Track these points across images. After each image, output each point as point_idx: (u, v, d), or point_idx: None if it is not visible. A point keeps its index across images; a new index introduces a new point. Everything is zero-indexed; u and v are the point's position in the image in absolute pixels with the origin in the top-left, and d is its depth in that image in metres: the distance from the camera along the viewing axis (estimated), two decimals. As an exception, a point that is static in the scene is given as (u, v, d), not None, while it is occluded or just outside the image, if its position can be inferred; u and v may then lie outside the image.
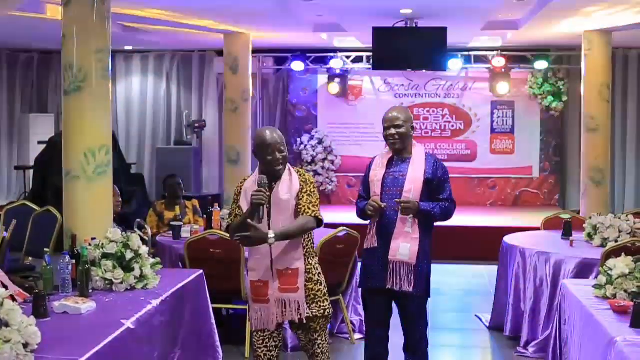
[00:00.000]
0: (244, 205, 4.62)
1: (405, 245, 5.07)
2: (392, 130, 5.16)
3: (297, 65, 14.26)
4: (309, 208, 4.62)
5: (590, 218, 7.36)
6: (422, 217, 5.10)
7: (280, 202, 4.58)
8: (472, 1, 9.76)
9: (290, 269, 4.61)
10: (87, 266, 4.74)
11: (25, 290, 4.64)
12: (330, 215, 10.65)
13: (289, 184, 4.64)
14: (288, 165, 4.72)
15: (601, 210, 9.12)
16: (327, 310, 4.76)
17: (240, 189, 4.71)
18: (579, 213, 10.62)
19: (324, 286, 4.78)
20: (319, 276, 4.75)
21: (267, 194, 4.52)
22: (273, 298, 4.61)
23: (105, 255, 4.92)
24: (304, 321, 4.65)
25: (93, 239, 5.06)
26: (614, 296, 4.65)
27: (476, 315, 8.18)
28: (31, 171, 13.62)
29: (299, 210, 4.62)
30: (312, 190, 4.71)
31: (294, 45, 14.16)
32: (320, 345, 4.76)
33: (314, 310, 4.68)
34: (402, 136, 5.15)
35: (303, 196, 4.65)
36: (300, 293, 4.62)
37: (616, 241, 6.72)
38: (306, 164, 14.73)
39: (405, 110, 5.35)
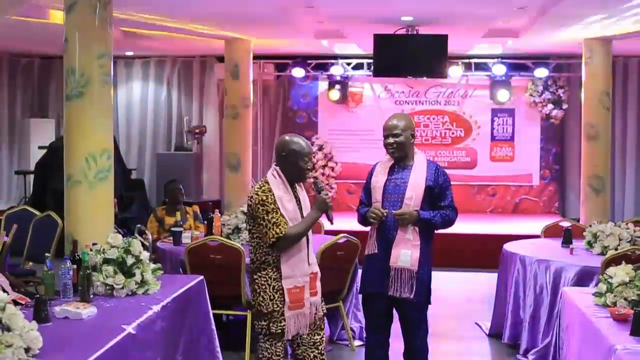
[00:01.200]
0: (285, 213, 4.63)
1: (406, 252, 5.08)
2: (390, 140, 5.17)
3: (298, 72, 14.27)
4: None
5: (590, 226, 7.36)
6: (422, 225, 5.11)
7: (307, 209, 4.79)
8: (473, 9, 9.78)
9: (313, 273, 4.78)
10: (88, 271, 4.73)
11: (24, 294, 4.64)
12: (330, 221, 10.64)
13: (304, 194, 4.85)
14: None
15: (601, 218, 9.14)
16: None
17: (273, 197, 4.62)
18: (578, 221, 10.63)
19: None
20: None
21: None
22: (308, 302, 4.71)
23: (107, 261, 4.91)
24: (317, 322, 4.81)
25: (94, 244, 5.06)
26: (614, 304, 4.64)
27: (476, 323, 8.18)
28: (31, 176, 13.63)
29: None
30: None
31: (295, 51, 14.18)
32: (322, 343, 4.86)
33: (323, 310, 4.90)
34: (400, 145, 5.15)
35: None
36: (319, 295, 4.83)
37: (616, 249, 6.71)
38: (306, 170, 14.70)
39: (406, 117, 5.33)
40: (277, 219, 4.59)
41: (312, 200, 4.83)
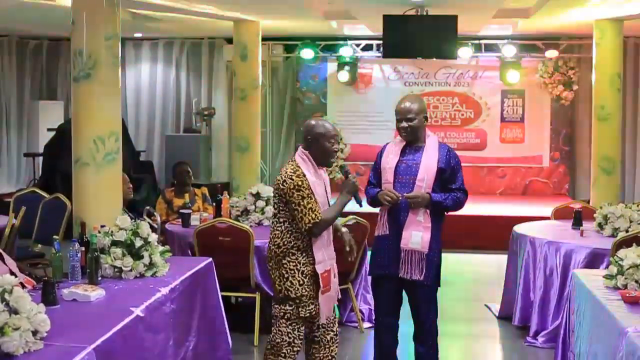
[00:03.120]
0: (317, 198, 4.65)
1: (417, 234, 5.06)
2: (404, 124, 5.14)
3: (307, 53, 14.21)
4: None
5: (600, 208, 7.32)
6: (434, 207, 5.09)
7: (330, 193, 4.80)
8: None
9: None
10: (96, 253, 4.73)
11: (33, 278, 4.63)
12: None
13: (326, 176, 4.87)
14: None
15: (611, 200, 9.07)
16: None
17: (307, 182, 4.62)
18: (588, 202, 10.58)
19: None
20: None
21: None
22: (333, 284, 4.75)
23: (115, 243, 4.92)
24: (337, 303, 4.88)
25: (102, 226, 5.05)
26: (625, 286, 4.62)
27: (485, 305, 8.16)
28: (40, 158, 13.65)
29: None
30: None
31: (304, 32, 14.11)
32: (336, 323, 4.91)
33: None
34: (413, 129, 5.13)
35: None
36: (337, 276, 4.87)
37: (627, 231, 6.69)
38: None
39: (419, 100, 5.30)
40: (313, 205, 4.60)
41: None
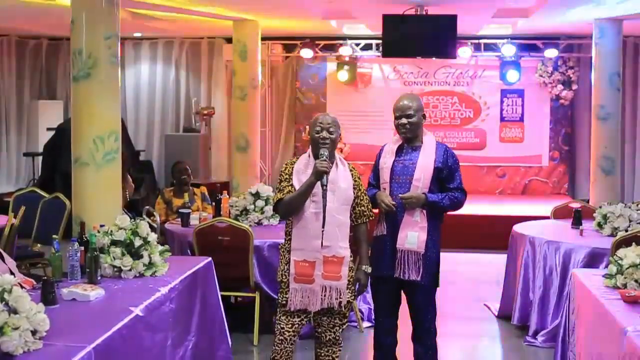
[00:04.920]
0: (297, 185, 4.69)
1: (413, 234, 5.05)
2: (404, 120, 5.12)
3: (306, 53, 14.22)
4: (368, 212, 4.92)
5: (600, 207, 7.32)
6: (430, 207, 5.07)
7: (338, 190, 4.71)
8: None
9: (336, 257, 4.70)
10: (95, 253, 4.73)
11: (31, 277, 4.63)
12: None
13: (343, 173, 4.79)
14: (337, 155, 4.86)
15: (611, 199, 9.07)
16: (355, 294, 4.95)
17: (292, 169, 4.77)
18: (588, 202, 10.59)
19: (354, 272, 4.95)
20: (352, 263, 4.89)
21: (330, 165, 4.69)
22: (319, 280, 4.69)
23: (114, 242, 4.91)
24: (339, 307, 4.76)
25: (102, 225, 5.05)
26: (625, 286, 4.62)
27: (485, 304, 8.16)
28: (40, 158, 13.64)
29: (361, 210, 4.86)
30: (364, 187, 4.95)
31: (303, 32, 14.12)
32: (341, 328, 4.88)
33: (348, 296, 4.82)
34: (413, 125, 5.11)
35: (363, 196, 4.89)
36: (343, 281, 4.74)
37: (626, 230, 6.69)
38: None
39: (417, 98, 5.28)
40: (283, 187, 4.75)
41: None
